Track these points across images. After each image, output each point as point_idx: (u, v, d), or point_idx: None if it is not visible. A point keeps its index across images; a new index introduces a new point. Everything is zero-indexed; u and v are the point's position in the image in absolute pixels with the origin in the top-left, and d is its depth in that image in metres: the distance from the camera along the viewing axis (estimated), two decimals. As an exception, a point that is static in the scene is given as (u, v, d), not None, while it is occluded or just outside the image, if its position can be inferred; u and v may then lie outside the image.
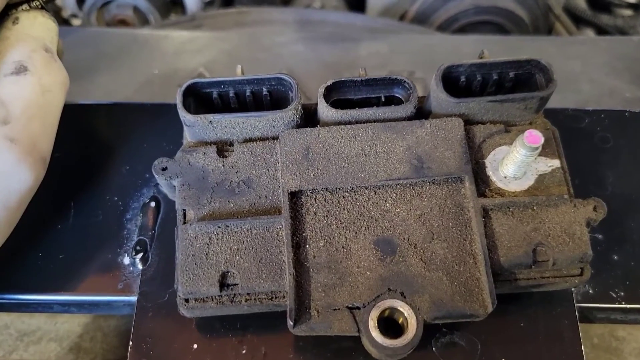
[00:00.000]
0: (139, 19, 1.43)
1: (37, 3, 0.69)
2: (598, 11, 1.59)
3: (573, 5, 1.55)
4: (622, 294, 0.66)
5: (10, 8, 0.68)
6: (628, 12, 1.59)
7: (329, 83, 0.62)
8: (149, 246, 0.69)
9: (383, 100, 0.65)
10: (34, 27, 0.68)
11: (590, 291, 0.66)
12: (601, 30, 1.54)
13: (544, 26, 1.48)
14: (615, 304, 0.66)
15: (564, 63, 1.08)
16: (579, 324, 0.64)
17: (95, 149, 0.76)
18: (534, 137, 0.56)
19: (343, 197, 0.60)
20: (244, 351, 0.63)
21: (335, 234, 0.59)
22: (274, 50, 1.11)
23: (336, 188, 0.60)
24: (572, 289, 0.65)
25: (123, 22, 1.42)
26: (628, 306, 0.66)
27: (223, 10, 1.35)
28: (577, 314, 0.64)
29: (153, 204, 0.72)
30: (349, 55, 1.11)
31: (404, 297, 0.56)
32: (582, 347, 0.62)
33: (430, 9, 1.40)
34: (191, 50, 1.10)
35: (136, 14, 1.42)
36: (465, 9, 1.37)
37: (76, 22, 1.51)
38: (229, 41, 1.12)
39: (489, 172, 0.62)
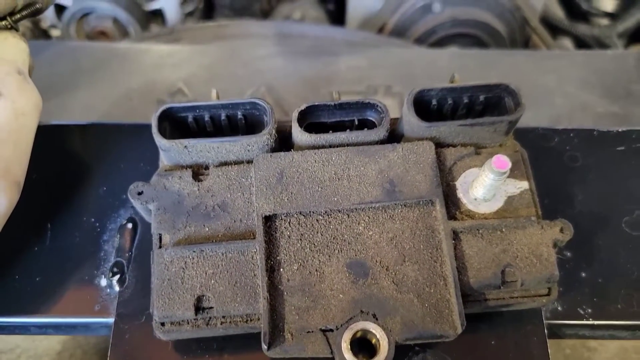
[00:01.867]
0: (119, 30, 1.43)
1: (6, 23, 0.68)
2: (575, 20, 1.61)
3: (550, 15, 1.58)
4: (589, 310, 0.68)
5: (-22, 30, 0.68)
6: (605, 22, 1.62)
7: (302, 107, 0.63)
8: (126, 268, 0.69)
9: (356, 123, 0.66)
10: (6, 49, 0.67)
11: (559, 308, 0.68)
12: (578, 40, 1.56)
13: (521, 38, 1.50)
14: (583, 320, 0.67)
15: (540, 77, 1.10)
16: (547, 340, 0.65)
17: (71, 170, 0.76)
18: (502, 162, 0.57)
19: (317, 220, 0.61)
20: (220, 372, 0.63)
21: (309, 257, 0.60)
22: (253, 65, 1.11)
23: (310, 212, 0.61)
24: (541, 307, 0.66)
25: (103, 34, 1.42)
26: (595, 322, 0.67)
27: (202, 24, 1.36)
28: (545, 331, 0.65)
29: (130, 225, 0.72)
30: (328, 69, 1.12)
31: (376, 319, 0.57)
32: (551, 363, 0.64)
33: (409, 21, 1.42)
34: (170, 65, 1.11)
35: (116, 26, 1.42)
36: (443, 21, 1.39)
37: (55, 32, 1.50)
38: (208, 55, 1.13)
39: (460, 194, 0.63)
